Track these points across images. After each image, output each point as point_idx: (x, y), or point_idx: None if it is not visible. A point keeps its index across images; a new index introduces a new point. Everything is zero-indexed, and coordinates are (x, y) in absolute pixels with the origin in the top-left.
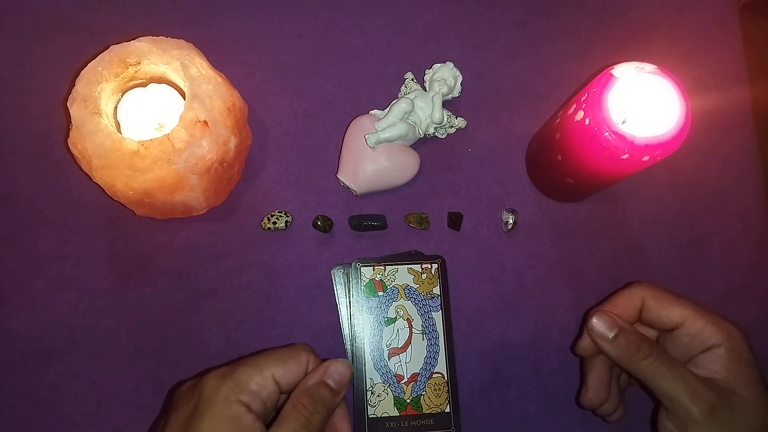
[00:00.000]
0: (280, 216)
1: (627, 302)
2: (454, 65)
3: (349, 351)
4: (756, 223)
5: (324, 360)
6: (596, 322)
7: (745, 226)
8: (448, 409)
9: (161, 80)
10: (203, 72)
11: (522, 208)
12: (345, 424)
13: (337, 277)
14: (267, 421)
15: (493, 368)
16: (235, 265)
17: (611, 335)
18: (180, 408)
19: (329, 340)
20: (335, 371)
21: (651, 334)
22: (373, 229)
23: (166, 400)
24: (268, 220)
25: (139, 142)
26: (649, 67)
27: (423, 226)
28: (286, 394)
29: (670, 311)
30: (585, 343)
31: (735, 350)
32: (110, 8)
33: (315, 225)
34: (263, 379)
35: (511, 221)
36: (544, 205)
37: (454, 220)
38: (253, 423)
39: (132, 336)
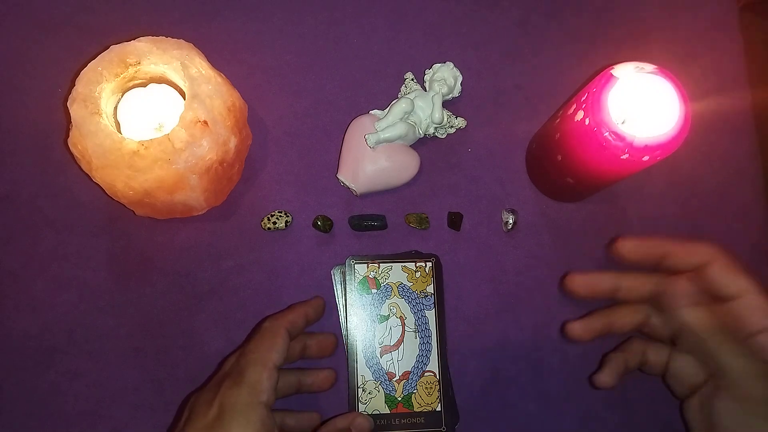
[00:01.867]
0: (280, 216)
1: (694, 251)
2: (454, 65)
3: (346, 348)
4: (756, 223)
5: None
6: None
7: (745, 226)
8: (439, 408)
9: (161, 80)
10: (203, 72)
11: (522, 208)
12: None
13: (337, 276)
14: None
15: (493, 368)
16: (235, 265)
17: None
18: (198, 418)
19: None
20: (360, 424)
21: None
22: (373, 229)
23: (178, 414)
24: (268, 220)
25: (139, 142)
26: (649, 67)
27: (423, 226)
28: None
29: (736, 280)
30: (634, 244)
31: None
32: (110, 8)
33: (315, 225)
34: (270, 371)
35: (511, 221)
36: (544, 205)
37: (454, 220)
38: (273, 424)
39: (132, 336)
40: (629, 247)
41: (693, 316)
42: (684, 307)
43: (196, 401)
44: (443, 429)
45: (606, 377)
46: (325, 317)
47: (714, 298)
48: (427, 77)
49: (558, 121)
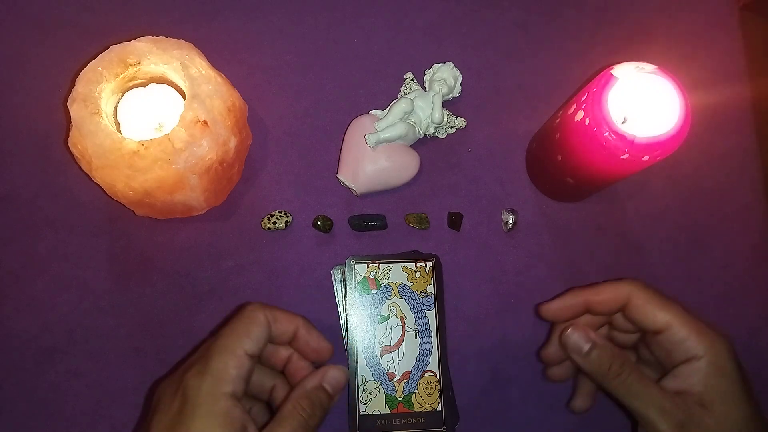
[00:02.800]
0: (280, 216)
1: (611, 295)
2: (454, 65)
3: (346, 349)
4: (756, 223)
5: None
6: (570, 334)
7: (745, 225)
8: (439, 408)
9: (161, 80)
10: (203, 72)
11: (522, 208)
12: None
13: (337, 277)
14: (252, 392)
15: (493, 368)
16: (235, 265)
17: (585, 349)
18: (163, 410)
19: (329, 340)
20: (333, 377)
21: (625, 338)
22: (373, 229)
23: (147, 399)
24: (268, 220)
25: (139, 142)
26: (649, 67)
27: (423, 226)
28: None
29: (656, 315)
30: (551, 350)
31: (716, 363)
32: (110, 8)
33: (315, 225)
34: (238, 359)
35: (511, 221)
36: (544, 205)
37: (454, 220)
38: (241, 415)
39: (132, 336)
40: (553, 311)
41: (593, 360)
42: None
43: (162, 391)
44: (443, 429)
45: (580, 402)
46: (325, 317)
47: (639, 330)
48: (427, 77)
49: (558, 121)
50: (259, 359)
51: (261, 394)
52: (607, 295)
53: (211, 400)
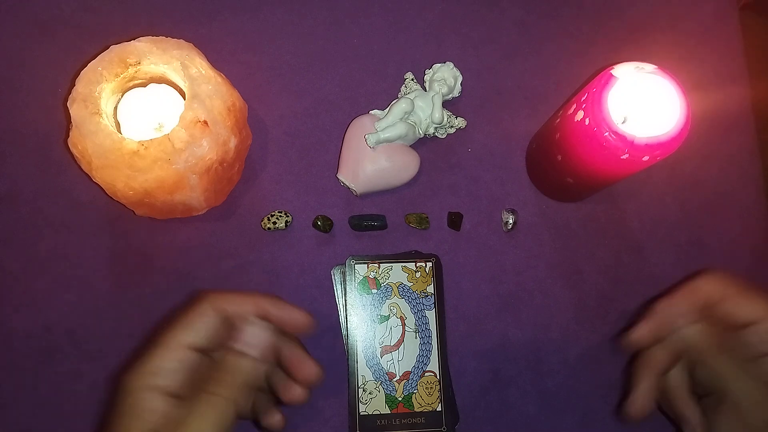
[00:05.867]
0: (280, 216)
1: (692, 291)
2: (454, 65)
3: (346, 349)
4: (756, 223)
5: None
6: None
7: (745, 226)
8: (439, 408)
9: (161, 80)
10: (203, 72)
11: (522, 208)
12: (306, 365)
13: (337, 276)
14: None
15: (493, 368)
16: (235, 265)
17: (693, 318)
18: (106, 408)
19: (329, 340)
20: (249, 333)
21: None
22: (373, 229)
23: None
24: (268, 220)
25: (139, 142)
26: (649, 67)
27: (423, 226)
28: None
29: (745, 308)
30: (644, 331)
31: None
32: (110, 8)
33: (315, 225)
34: (178, 352)
35: (511, 221)
36: (544, 205)
37: (454, 220)
38: (167, 409)
39: (132, 336)
40: (642, 335)
41: (693, 335)
42: (683, 327)
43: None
44: (443, 429)
45: (641, 399)
46: (325, 317)
47: (727, 326)
48: (427, 77)
49: (558, 121)
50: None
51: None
52: (694, 296)
53: (137, 394)
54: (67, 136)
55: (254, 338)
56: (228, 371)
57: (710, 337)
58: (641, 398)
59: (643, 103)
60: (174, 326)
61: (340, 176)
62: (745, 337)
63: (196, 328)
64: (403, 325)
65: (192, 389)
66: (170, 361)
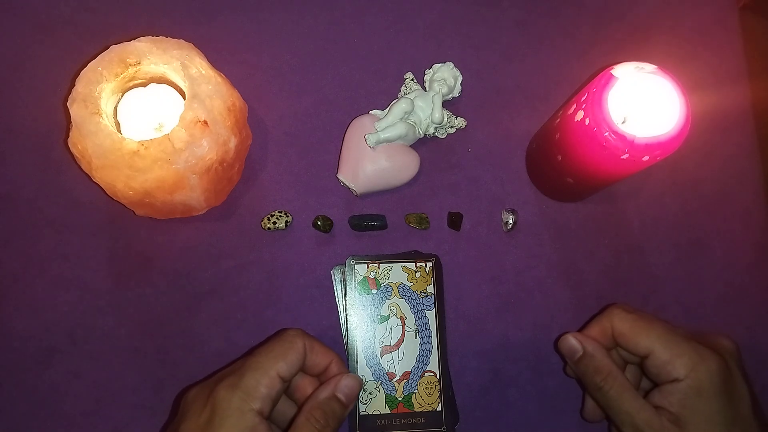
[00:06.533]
0: (280, 216)
1: (599, 328)
2: (454, 65)
3: (346, 349)
4: (756, 223)
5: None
6: (567, 339)
7: (745, 226)
8: (439, 408)
9: (161, 80)
10: (203, 72)
11: (522, 208)
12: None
13: (337, 276)
14: (274, 418)
15: (493, 368)
16: (235, 265)
17: (575, 357)
18: (191, 418)
19: (329, 340)
20: (346, 386)
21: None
22: (373, 229)
23: (174, 407)
24: (268, 220)
25: (139, 142)
26: (649, 67)
27: (423, 226)
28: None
29: (638, 341)
30: (569, 368)
31: (696, 386)
32: (110, 8)
33: (315, 225)
34: (270, 380)
35: (511, 221)
36: (544, 205)
37: (454, 220)
38: (260, 427)
39: (132, 336)
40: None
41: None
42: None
43: (193, 398)
44: (443, 429)
45: (590, 410)
46: (325, 317)
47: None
48: (427, 77)
49: (558, 121)
50: (288, 386)
51: (281, 423)
52: (597, 330)
53: (239, 414)
54: (67, 136)
55: (348, 389)
56: (323, 410)
57: (587, 371)
58: (589, 406)
59: (643, 103)
60: (269, 354)
61: (340, 176)
62: (647, 368)
63: (288, 361)
64: (403, 325)
65: (273, 414)
66: (265, 387)
